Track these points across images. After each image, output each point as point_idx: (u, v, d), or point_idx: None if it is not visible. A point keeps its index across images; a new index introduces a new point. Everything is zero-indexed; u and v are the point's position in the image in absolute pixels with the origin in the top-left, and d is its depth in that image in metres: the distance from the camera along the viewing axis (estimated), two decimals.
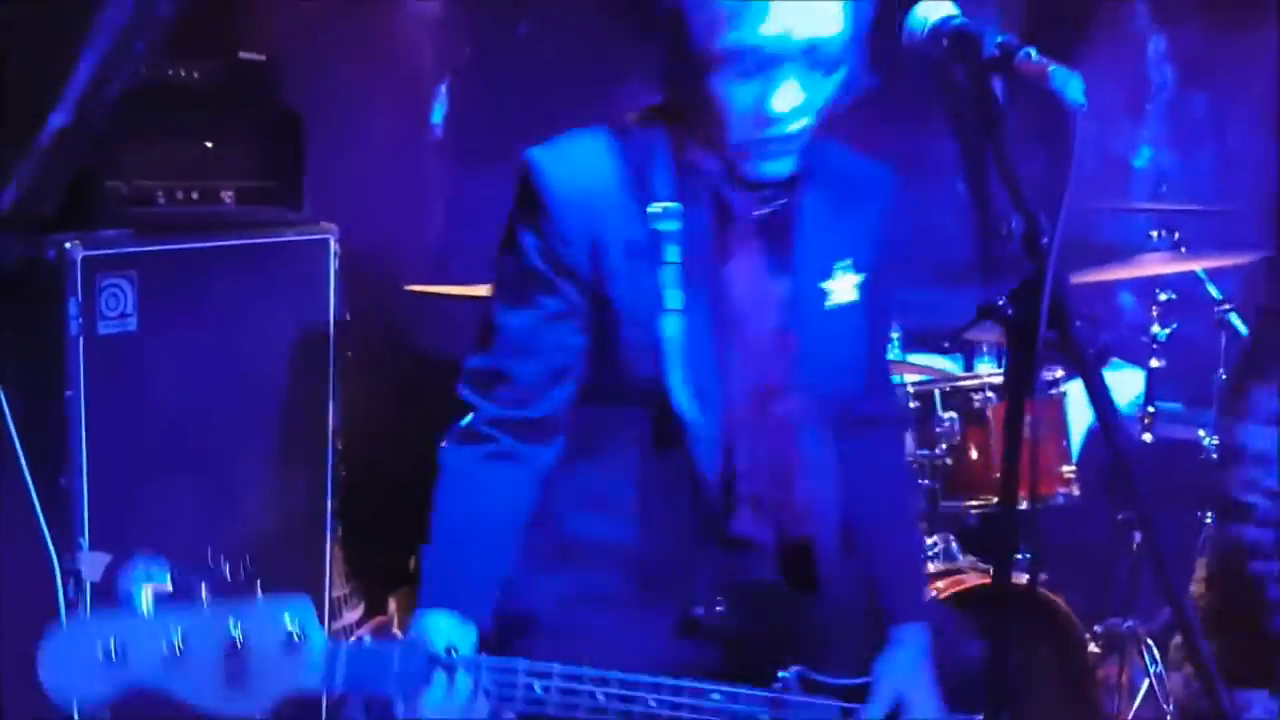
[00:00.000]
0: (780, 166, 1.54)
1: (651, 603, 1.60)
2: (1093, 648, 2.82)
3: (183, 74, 2.54)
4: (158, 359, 2.40)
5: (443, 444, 1.61)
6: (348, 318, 2.80)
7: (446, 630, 1.48)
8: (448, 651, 1.44)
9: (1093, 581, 3.15)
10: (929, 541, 2.86)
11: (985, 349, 3.66)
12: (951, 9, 1.36)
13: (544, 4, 3.69)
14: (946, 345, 3.38)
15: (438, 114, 3.77)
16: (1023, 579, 2.75)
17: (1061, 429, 2.93)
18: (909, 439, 3.02)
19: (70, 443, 2.24)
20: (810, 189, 1.60)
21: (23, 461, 2.22)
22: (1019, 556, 2.93)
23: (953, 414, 2.95)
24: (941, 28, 1.34)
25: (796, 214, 1.59)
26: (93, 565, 2.22)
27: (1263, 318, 1.48)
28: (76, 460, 2.25)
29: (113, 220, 2.37)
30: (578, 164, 1.55)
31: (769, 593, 1.65)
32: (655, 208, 1.53)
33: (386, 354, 3.39)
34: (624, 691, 1.50)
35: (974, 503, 2.89)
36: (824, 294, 1.61)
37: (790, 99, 1.45)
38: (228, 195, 2.63)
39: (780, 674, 1.60)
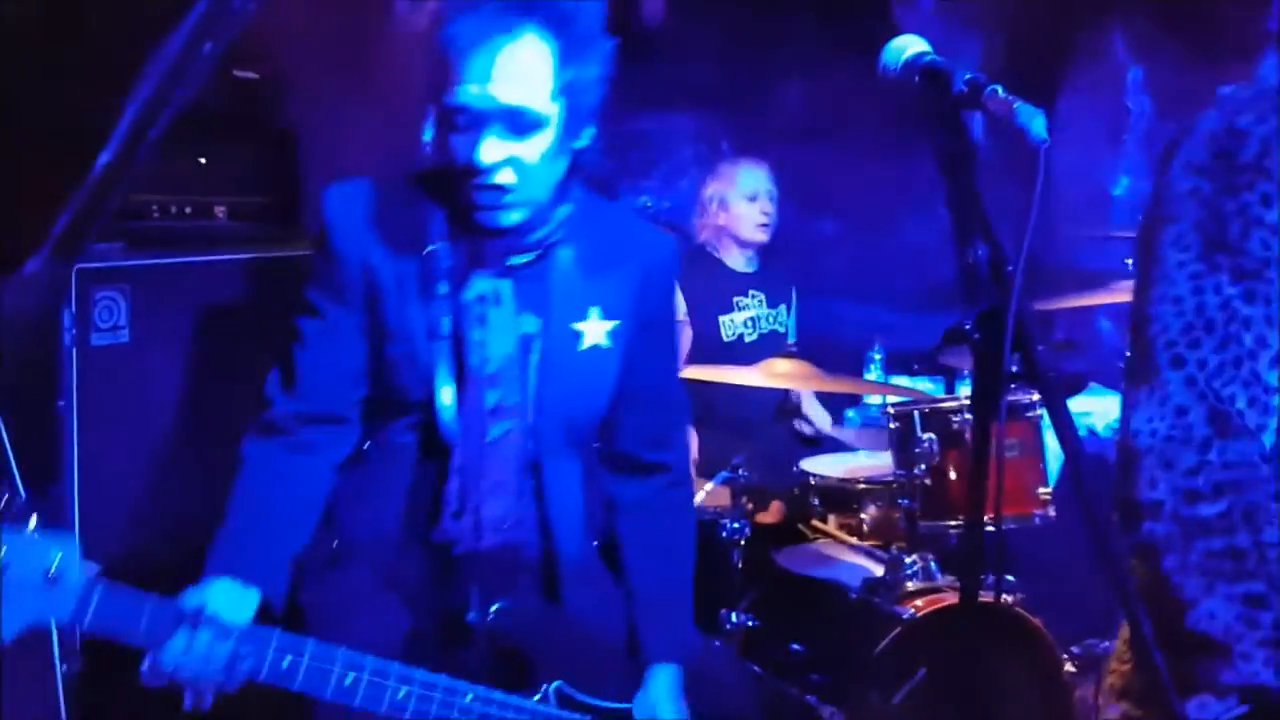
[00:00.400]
0: (507, 217, 1.68)
1: (422, 604, 1.73)
2: (1069, 668, 2.85)
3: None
4: (150, 371, 2.43)
5: (245, 439, 1.78)
6: None
7: (223, 594, 1.58)
8: (197, 611, 1.52)
9: (1071, 602, 3.19)
10: (909, 560, 2.90)
11: (967, 372, 3.72)
12: (924, 45, 1.41)
13: None
14: (915, 367, 3.43)
15: (429, 134, 3.81)
16: (1002, 598, 2.82)
17: (1037, 451, 2.97)
18: (889, 456, 3.10)
19: (62, 452, 2.27)
20: (573, 241, 1.77)
21: (14, 470, 2.25)
22: (996, 577, 2.99)
23: (932, 435, 2.99)
24: (914, 63, 1.39)
25: (552, 261, 1.76)
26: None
27: None
28: (68, 469, 2.28)
29: (107, 233, 2.41)
30: (361, 199, 1.75)
31: (538, 608, 1.77)
32: (434, 244, 1.71)
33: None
34: (374, 678, 1.56)
35: (953, 523, 2.92)
36: (577, 335, 1.77)
37: (493, 153, 1.62)
38: (221, 211, 2.67)
39: (543, 686, 1.68)
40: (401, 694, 1.56)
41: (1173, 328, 1.40)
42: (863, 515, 3.30)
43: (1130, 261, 3.33)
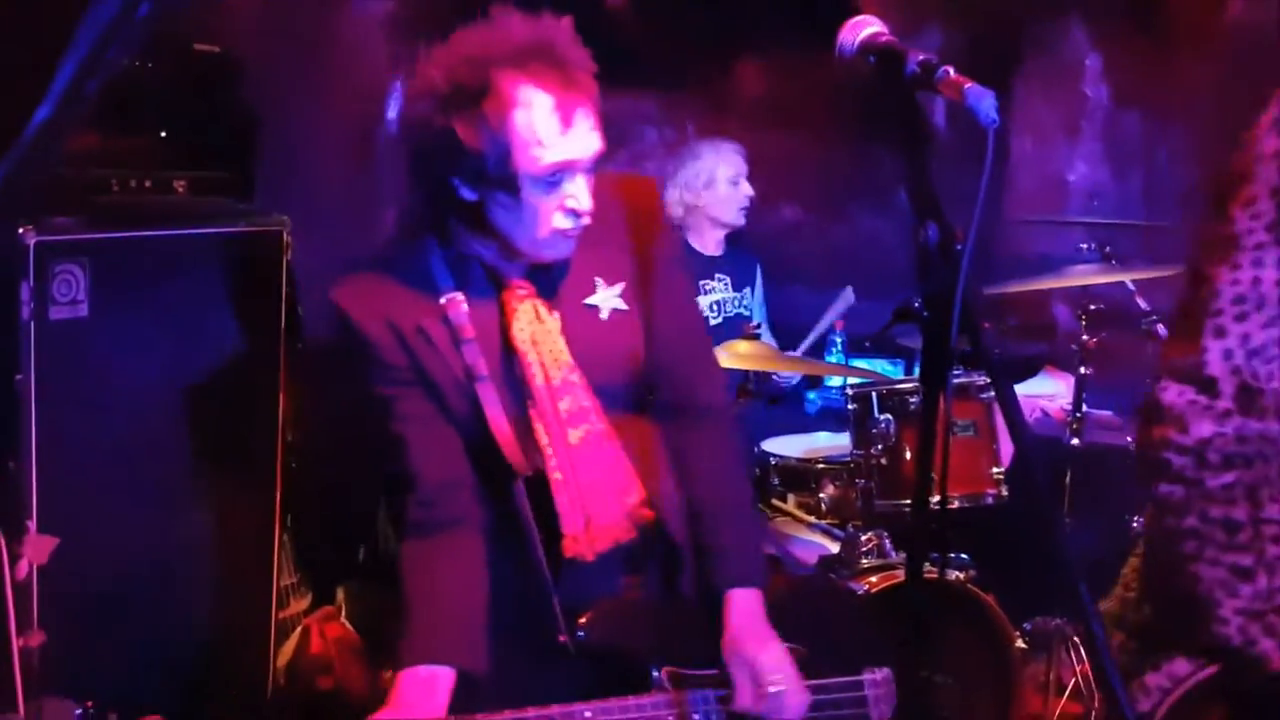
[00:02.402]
0: (566, 248, 1.80)
1: (524, 637, 1.77)
2: (1020, 644, 2.90)
3: (138, 64, 2.56)
4: (109, 345, 2.42)
5: (402, 544, 1.83)
6: (300, 310, 2.84)
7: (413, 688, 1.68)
8: None
9: (1022, 581, 3.25)
10: (864, 538, 2.95)
11: None
12: (879, 26, 1.43)
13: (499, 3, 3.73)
14: (866, 345, 3.48)
15: (392, 110, 3.81)
16: (953, 576, 2.87)
17: (990, 432, 3.02)
18: (848, 437, 3.14)
19: (20, 426, 2.26)
20: None
21: None
22: (951, 555, 3.04)
23: (889, 416, 3.04)
24: (868, 45, 1.41)
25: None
26: (39, 548, 2.24)
27: None
28: (26, 444, 2.26)
29: (66, 207, 2.39)
30: (368, 288, 1.82)
31: (622, 604, 1.82)
32: (446, 295, 1.79)
33: (338, 346, 3.41)
34: None
35: (908, 502, 2.96)
36: (595, 310, 1.85)
37: (584, 200, 1.73)
38: (181, 185, 2.66)
39: (653, 674, 1.72)
40: None
41: (1224, 295, 1.37)
42: (821, 494, 3.34)
43: (1086, 247, 3.39)
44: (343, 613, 3.18)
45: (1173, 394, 1.37)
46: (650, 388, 1.92)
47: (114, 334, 2.43)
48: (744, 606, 1.82)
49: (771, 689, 1.75)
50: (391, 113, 3.80)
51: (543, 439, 1.79)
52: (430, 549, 1.80)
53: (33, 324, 2.28)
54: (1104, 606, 1.60)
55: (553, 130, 1.69)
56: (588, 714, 1.64)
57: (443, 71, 1.70)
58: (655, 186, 2.00)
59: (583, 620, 1.74)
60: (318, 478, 3.06)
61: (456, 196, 1.76)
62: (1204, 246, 1.42)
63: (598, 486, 1.80)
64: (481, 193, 1.75)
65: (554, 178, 1.72)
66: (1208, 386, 1.36)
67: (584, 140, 1.72)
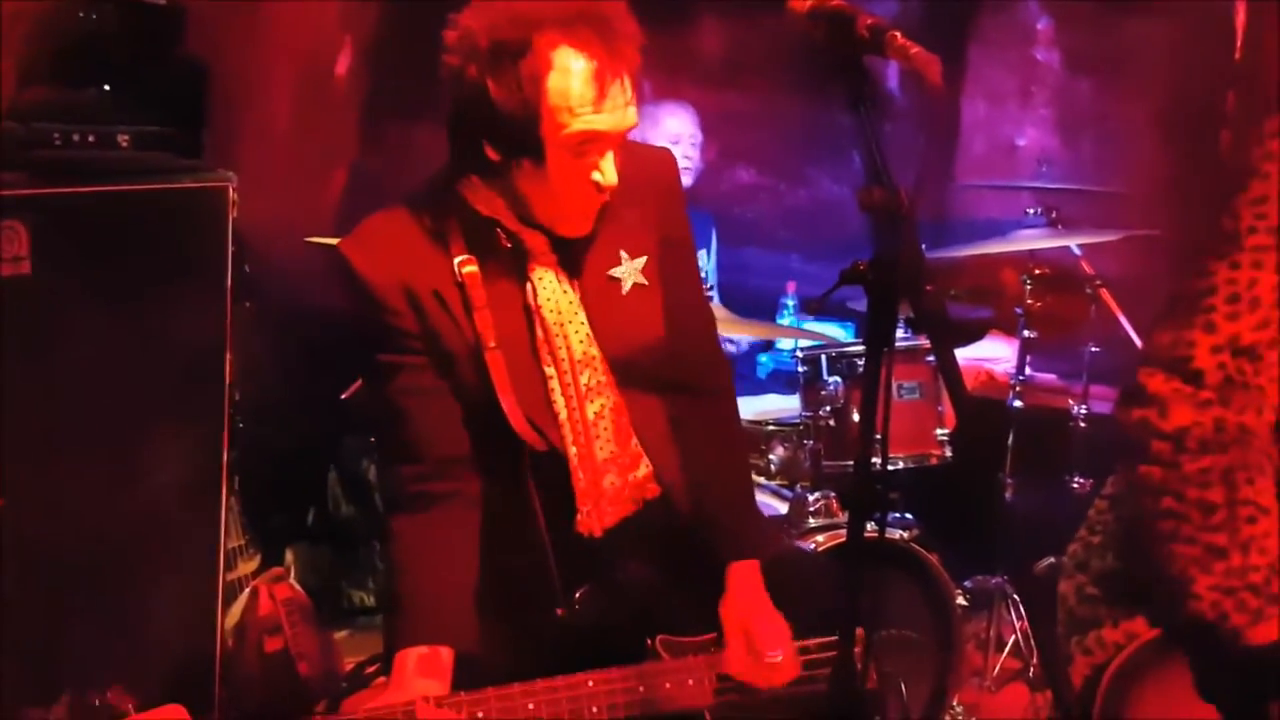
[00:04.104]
0: (585, 224, 1.76)
1: (520, 612, 1.78)
2: (961, 601, 2.96)
3: (82, 15, 2.51)
4: (52, 302, 2.39)
5: (390, 517, 1.80)
6: (246, 268, 2.80)
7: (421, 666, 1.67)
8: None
9: (964, 540, 3.31)
10: (811, 499, 2.99)
11: None
12: None
13: None
14: (814, 306, 3.52)
15: (342, 66, 3.75)
16: (895, 535, 2.92)
17: (935, 394, 3.07)
18: (798, 399, 3.18)
19: None
20: None
21: None
22: (895, 515, 3.09)
23: (837, 378, 3.07)
24: (818, 9, 1.41)
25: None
26: None
27: None
28: None
29: (8, 162, 2.34)
30: (383, 243, 1.75)
31: (617, 577, 1.83)
32: (458, 261, 1.73)
33: (286, 306, 3.39)
34: (501, 702, 1.62)
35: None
36: (618, 283, 1.81)
37: (609, 175, 1.69)
38: (125, 140, 2.61)
39: (648, 644, 1.75)
40: (530, 706, 1.63)
41: (1220, 292, 1.37)
42: (770, 456, 3.38)
43: (1033, 211, 3.43)
44: (292, 574, 3.18)
45: (1158, 382, 1.39)
46: (661, 364, 1.88)
47: (58, 290, 2.39)
48: (743, 577, 1.85)
49: (769, 658, 1.79)
50: (341, 68, 3.74)
51: (561, 413, 1.76)
52: (427, 524, 1.77)
53: None
54: (1070, 548, 1.63)
55: (587, 99, 1.63)
56: (590, 684, 1.66)
57: (484, 26, 1.63)
58: (675, 160, 1.96)
59: (579, 594, 1.76)
60: (266, 438, 3.05)
61: (483, 156, 1.70)
62: (1207, 232, 1.41)
63: (611, 462, 1.79)
64: (507, 155, 1.69)
65: (581, 148, 1.67)
66: (1193, 378, 1.38)
67: (618, 114, 1.66)
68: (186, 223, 2.66)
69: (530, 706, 1.61)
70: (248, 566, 2.98)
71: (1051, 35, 4.24)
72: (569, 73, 1.62)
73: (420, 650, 1.69)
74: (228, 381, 2.76)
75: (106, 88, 2.59)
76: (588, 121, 1.64)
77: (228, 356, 2.76)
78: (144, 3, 2.64)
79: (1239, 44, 3.88)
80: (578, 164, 1.68)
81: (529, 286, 1.76)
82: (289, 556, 3.50)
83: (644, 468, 1.84)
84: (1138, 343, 3.22)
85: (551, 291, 1.77)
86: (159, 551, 2.65)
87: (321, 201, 3.62)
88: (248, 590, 2.90)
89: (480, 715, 1.58)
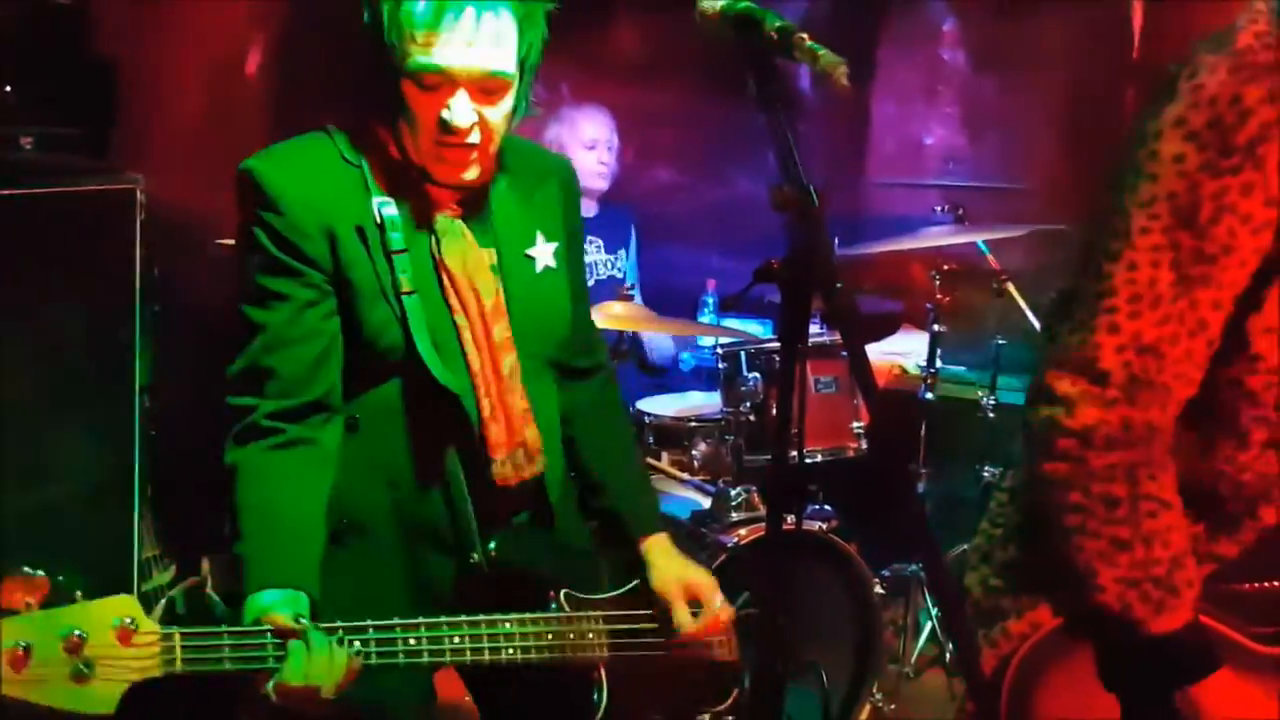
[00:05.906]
0: (469, 174, 1.72)
1: (429, 555, 1.76)
2: (879, 590, 3.03)
3: None
4: None
5: (227, 448, 1.70)
6: (155, 271, 2.75)
7: (282, 604, 1.56)
8: (297, 619, 1.52)
9: (881, 530, 3.39)
10: (734, 493, 3.03)
11: None
12: None
13: None
14: (730, 304, 3.56)
15: (252, 64, 3.70)
16: (814, 526, 2.97)
17: (851, 388, 3.13)
18: (719, 395, 3.22)
19: None
20: (502, 175, 1.81)
21: None
22: (814, 506, 3.15)
23: (756, 374, 3.12)
24: (726, 11, 1.44)
25: (491, 195, 1.80)
26: None
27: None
28: None
29: None
30: (300, 165, 1.69)
31: (528, 532, 1.85)
32: (377, 199, 1.69)
33: (197, 309, 3.33)
34: (431, 633, 1.62)
35: None
36: (531, 261, 1.82)
37: (467, 115, 1.63)
38: (27, 142, 2.55)
39: (553, 595, 1.79)
40: (458, 640, 1.63)
41: (1120, 292, 1.39)
42: (694, 452, 3.43)
43: (941, 209, 3.51)
44: (209, 584, 3.12)
45: (1066, 384, 1.42)
46: (559, 346, 1.90)
47: None
48: (662, 548, 1.92)
49: (717, 603, 1.87)
50: (252, 67, 3.68)
51: (474, 363, 1.74)
52: (281, 462, 1.67)
53: None
54: (974, 542, 1.68)
55: (431, 27, 1.57)
56: (507, 625, 1.69)
57: None
58: (574, 167, 1.97)
59: (493, 544, 1.76)
60: (180, 445, 2.99)
61: (378, 91, 1.64)
62: (1100, 233, 1.42)
63: (524, 418, 1.79)
64: (386, 84, 1.63)
65: (427, 81, 1.61)
66: (1100, 379, 1.41)
67: (468, 51, 1.59)
68: (93, 226, 2.61)
69: (411, 642, 1.60)
70: (163, 577, 2.93)
71: (957, 35, 4.33)
72: None
73: (273, 593, 1.59)
74: (138, 388, 2.71)
75: (8, 89, 2.53)
76: (430, 55, 1.59)
77: (137, 362, 2.70)
78: (47, 2, 2.58)
79: (1136, 43, 4.01)
80: (426, 99, 1.62)
81: (433, 238, 1.73)
82: (205, 566, 3.43)
83: (538, 437, 1.84)
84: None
85: (458, 246, 1.74)
86: (70, 563, 2.59)
87: (233, 202, 3.55)
88: (164, 601, 2.85)
89: (358, 646, 1.56)
